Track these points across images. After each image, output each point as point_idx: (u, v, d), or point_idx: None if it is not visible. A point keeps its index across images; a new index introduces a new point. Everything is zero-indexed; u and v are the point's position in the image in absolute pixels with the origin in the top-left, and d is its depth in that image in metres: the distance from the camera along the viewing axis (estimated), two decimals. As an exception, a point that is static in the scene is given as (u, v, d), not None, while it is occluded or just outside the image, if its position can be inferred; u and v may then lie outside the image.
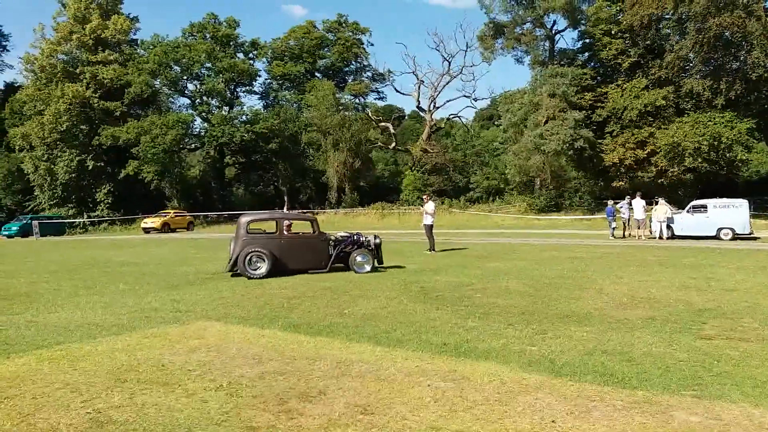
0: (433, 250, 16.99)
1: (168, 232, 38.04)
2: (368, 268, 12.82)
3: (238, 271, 12.19)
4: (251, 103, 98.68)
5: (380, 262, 13.37)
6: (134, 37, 51.75)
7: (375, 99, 61.64)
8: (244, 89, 55.82)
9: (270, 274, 12.02)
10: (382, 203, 43.95)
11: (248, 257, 12.03)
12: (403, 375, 5.28)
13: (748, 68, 29.86)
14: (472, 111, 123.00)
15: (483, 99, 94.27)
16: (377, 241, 13.35)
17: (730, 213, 21.49)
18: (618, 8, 38.14)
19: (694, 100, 34.33)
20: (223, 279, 12.17)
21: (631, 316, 7.76)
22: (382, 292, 9.82)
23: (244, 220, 12.74)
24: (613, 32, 38.19)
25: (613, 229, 23.19)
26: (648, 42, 36.62)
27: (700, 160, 31.56)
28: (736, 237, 21.19)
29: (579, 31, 41.83)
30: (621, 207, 23.67)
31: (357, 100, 57.55)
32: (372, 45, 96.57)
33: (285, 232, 12.79)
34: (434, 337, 6.62)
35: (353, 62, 58.91)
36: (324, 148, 48.22)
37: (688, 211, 22.41)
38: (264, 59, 57.22)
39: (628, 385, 4.94)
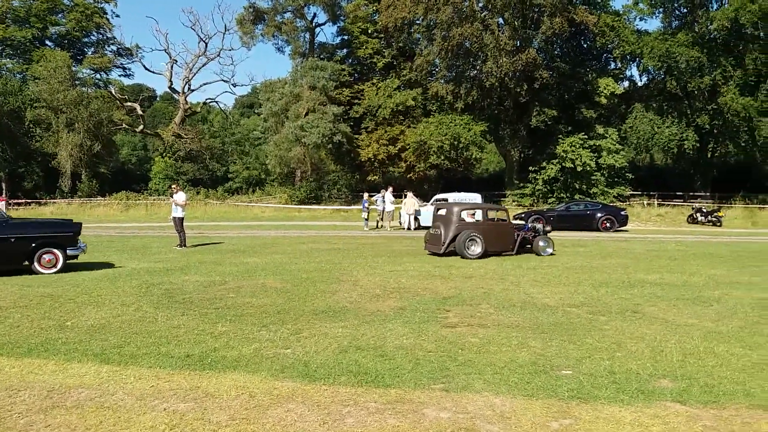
0: (184, 245, 15.61)
1: None
2: (551, 250, 14.60)
3: (453, 251, 13.80)
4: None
5: None
6: None
7: (120, 76, 55.73)
8: (-53, 53, 46.01)
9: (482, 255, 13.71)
10: (126, 192, 39.80)
11: (466, 240, 13.65)
12: (134, 399, 4.44)
13: (483, 77, 33.72)
14: (231, 97, 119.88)
15: (243, 85, 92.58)
16: (548, 228, 15.60)
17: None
18: (374, 9, 40.12)
19: (438, 103, 37.79)
20: None
21: (384, 307, 7.85)
22: (117, 297, 8.48)
23: (456, 209, 14.28)
24: (369, 31, 40.11)
25: (366, 220, 24.15)
26: (401, 44, 39.23)
27: (442, 157, 34.83)
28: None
29: (338, 26, 43.15)
30: (376, 199, 24.82)
31: (98, 76, 51.31)
32: (118, 16, 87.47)
33: (485, 219, 14.81)
34: (176, 349, 5.79)
35: (94, 33, 52.25)
36: (55, 128, 41.79)
37: (432, 204, 24.42)
38: (-22, 20, 47.78)
39: (381, 384, 4.82)
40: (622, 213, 24.55)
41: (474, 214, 15.09)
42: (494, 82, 33.23)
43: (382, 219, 24.58)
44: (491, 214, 15.26)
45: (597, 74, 36.01)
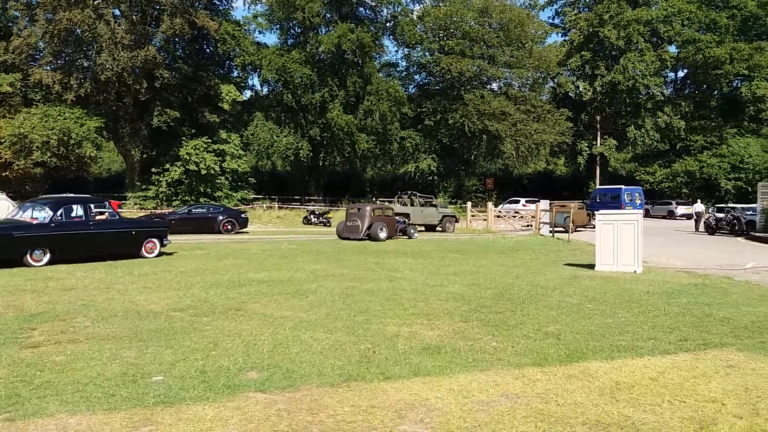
0: None
1: None
2: (416, 234, 22.68)
3: (368, 236, 20.67)
4: None
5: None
6: None
7: None
8: None
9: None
10: None
11: (377, 228, 20.73)
12: None
13: (98, 69, 30.83)
14: None
15: None
16: (408, 220, 23.73)
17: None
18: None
19: (43, 92, 33.06)
20: None
21: (-56, 334, 6.43)
22: None
23: (368, 208, 21.72)
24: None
25: None
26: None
27: (49, 154, 30.60)
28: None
29: None
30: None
31: None
32: None
33: (384, 215, 21.92)
34: None
35: None
36: None
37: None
38: None
39: None
40: (243, 215, 25.69)
41: (379, 213, 21.59)
42: (111, 76, 30.85)
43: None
44: (387, 212, 22.18)
45: (220, 80, 36.81)
